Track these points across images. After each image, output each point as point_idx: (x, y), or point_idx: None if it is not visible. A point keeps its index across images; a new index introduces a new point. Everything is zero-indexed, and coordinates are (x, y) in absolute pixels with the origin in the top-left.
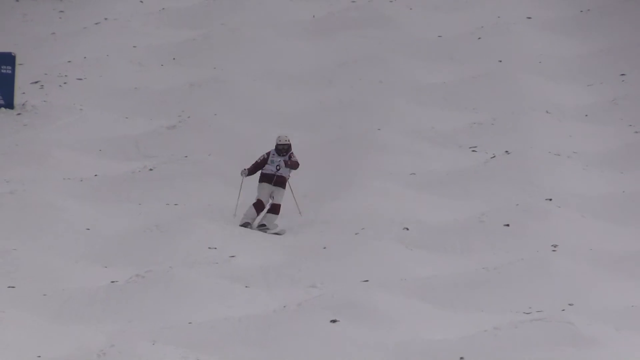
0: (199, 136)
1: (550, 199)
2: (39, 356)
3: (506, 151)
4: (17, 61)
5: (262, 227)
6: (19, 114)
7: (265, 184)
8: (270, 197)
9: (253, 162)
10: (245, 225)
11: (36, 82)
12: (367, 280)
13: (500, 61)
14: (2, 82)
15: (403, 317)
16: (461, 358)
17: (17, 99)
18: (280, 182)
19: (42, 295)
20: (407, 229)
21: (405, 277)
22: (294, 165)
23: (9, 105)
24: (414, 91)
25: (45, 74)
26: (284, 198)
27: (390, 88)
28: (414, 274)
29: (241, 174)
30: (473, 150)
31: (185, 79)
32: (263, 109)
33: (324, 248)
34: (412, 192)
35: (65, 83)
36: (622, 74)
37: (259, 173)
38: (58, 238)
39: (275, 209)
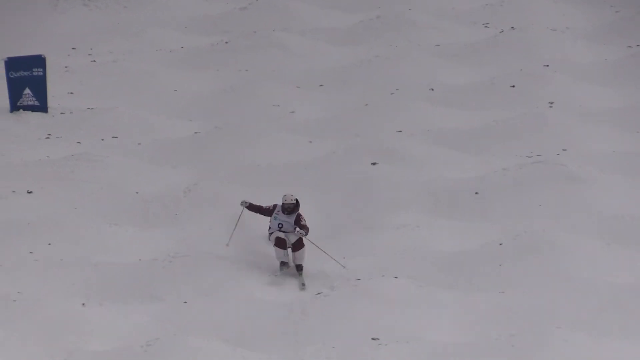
0: (266, 15)
1: (548, 65)
2: (137, 192)
3: (512, 27)
4: None
5: (299, 269)
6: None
7: (276, 237)
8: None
9: (259, 204)
10: (284, 264)
11: None
12: (400, 131)
13: None
14: None
15: (429, 161)
16: (476, 193)
17: None
18: (297, 245)
19: (138, 144)
20: (432, 90)
21: (431, 129)
22: (307, 231)
23: None
24: None
25: None
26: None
27: None
28: (438, 126)
29: (241, 204)
30: (485, 26)
31: None
32: None
33: (366, 105)
34: (436, 59)
35: None
36: None
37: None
38: (151, 98)
39: (298, 246)
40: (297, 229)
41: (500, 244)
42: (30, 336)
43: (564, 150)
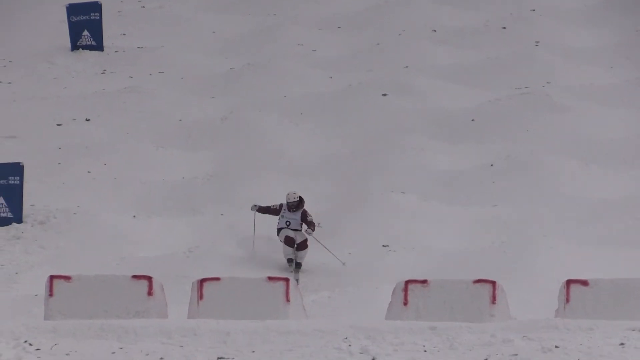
0: None
1: (534, 10)
2: (180, 119)
3: None
4: None
5: (298, 266)
6: None
7: (286, 235)
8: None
9: (267, 205)
10: (291, 261)
11: None
12: (407, 67)
13: None
14: None
15: (432, 93)
16: (472, 120)
17: None
18: (301, 245)
19: (181, 78)
20: (435, 31)
21: (433, 64)
22: (313, 227)
23: None
24: None
25: None
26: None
27: None
28: (439, 62)
29: (251, 209)
30: None
31: None
32: None
33: (377, 44)
34: (437, 5)
35: None
36: None
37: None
38: (192, 39)
39: (302, 246)
40: (305, 228)
41: (491, 165)
42: (88, 244)
43: (548, 83)
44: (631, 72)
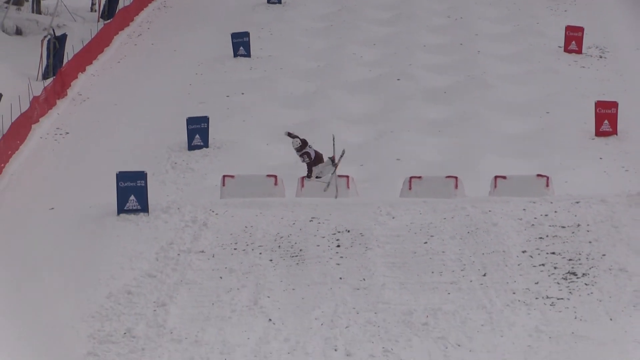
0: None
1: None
2: (292, 92)
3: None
4: None
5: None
6: None
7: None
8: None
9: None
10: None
11: None
12: (410, 64)
13: None
14: None
15: (424, 79)
16: (444, 92)
17: None
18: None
19: (292, 71)
20: (424, 46)
21: (425, 63)
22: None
23: None
24: None
25: None
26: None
27: None
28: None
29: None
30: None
31: None
32: None
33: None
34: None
35: None
36: None
37: None
38: (296, 50)
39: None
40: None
41: (456, 116)
42: (243, 158)
43: (484, 72)
44: (525, 67)
